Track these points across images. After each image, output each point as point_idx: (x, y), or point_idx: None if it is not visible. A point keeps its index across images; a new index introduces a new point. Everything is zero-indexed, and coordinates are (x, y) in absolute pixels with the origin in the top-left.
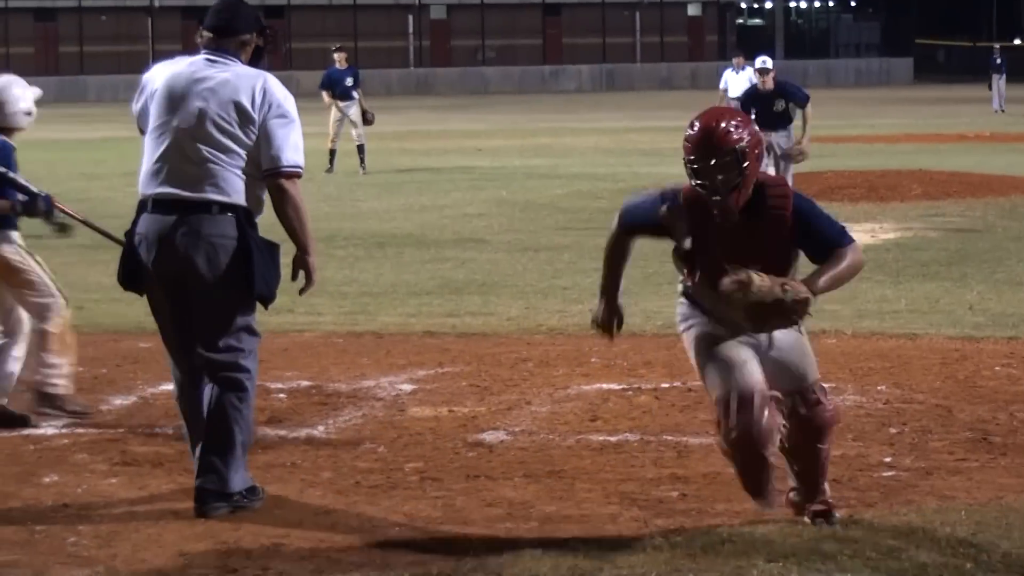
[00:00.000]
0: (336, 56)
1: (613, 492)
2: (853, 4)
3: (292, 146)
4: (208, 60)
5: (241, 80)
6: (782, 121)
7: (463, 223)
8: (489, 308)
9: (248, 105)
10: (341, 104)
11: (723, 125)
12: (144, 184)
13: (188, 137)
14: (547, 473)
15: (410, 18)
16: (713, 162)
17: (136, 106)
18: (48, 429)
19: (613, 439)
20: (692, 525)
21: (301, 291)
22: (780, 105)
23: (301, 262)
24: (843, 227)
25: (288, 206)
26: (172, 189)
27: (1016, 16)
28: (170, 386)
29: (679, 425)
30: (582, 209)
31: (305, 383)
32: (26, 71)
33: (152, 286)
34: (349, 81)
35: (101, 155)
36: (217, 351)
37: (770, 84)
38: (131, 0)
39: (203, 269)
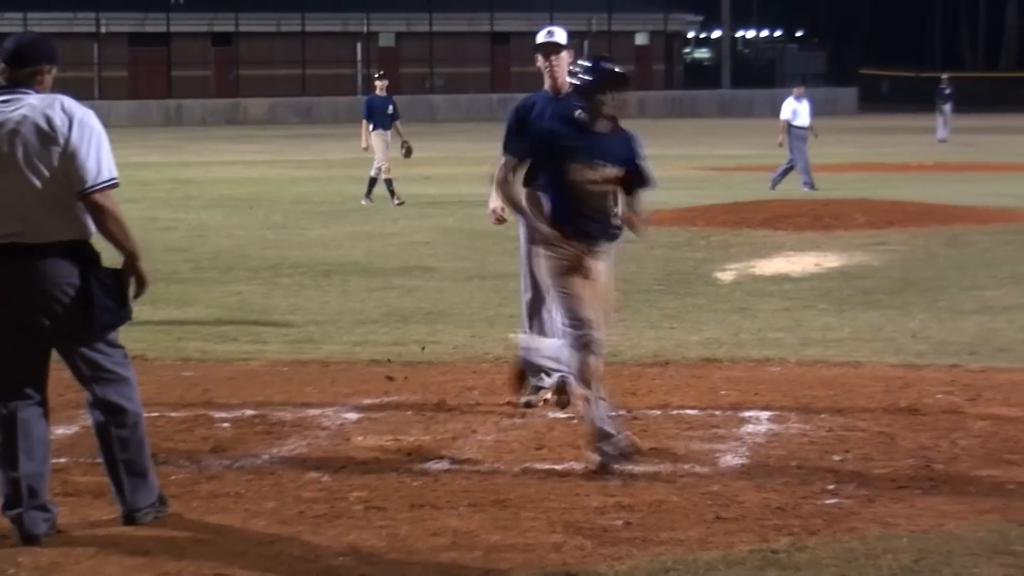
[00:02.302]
0: (377, 84)
1: (558, 521)
2: (799, 35)
3: (102, 161)
4: (3, 101)
5: (36, 110)
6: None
7: (410, 251)
8: (435, 336)
9: (49, 130)
10: (383, 133)
11: None
12: None
13: (13, 184)
14: (492, 502)
15: (359, 45)
16: None
17: None
18: None
19: (558, 468)
20: (637, 553)
21: (135, 296)
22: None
23: (132, 269)
24: None
25: (109, 222)
26: (9, 234)
27: (958, 47)
28: None
29: None
30: None
31: (250, 412)
32: None
33: None
34: (390, 109)
35: None
36: (91, 374)
37: (562, 77)
38: (78, 27)
39: (50, 310)
